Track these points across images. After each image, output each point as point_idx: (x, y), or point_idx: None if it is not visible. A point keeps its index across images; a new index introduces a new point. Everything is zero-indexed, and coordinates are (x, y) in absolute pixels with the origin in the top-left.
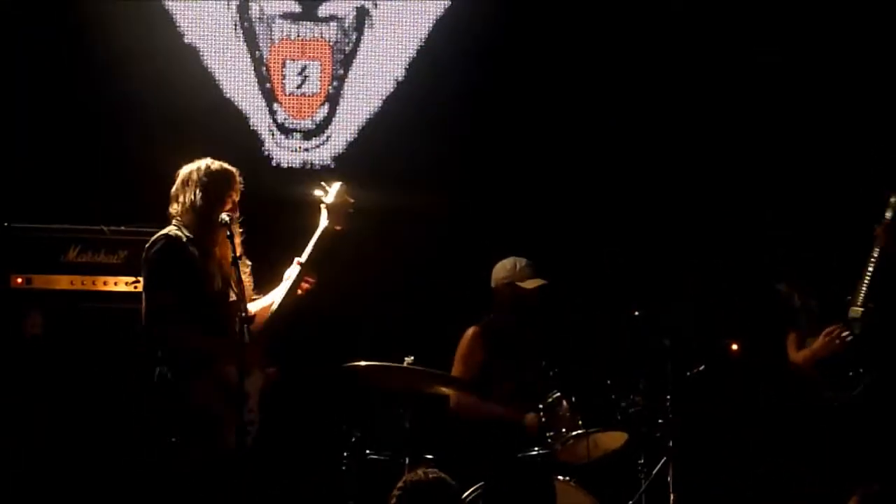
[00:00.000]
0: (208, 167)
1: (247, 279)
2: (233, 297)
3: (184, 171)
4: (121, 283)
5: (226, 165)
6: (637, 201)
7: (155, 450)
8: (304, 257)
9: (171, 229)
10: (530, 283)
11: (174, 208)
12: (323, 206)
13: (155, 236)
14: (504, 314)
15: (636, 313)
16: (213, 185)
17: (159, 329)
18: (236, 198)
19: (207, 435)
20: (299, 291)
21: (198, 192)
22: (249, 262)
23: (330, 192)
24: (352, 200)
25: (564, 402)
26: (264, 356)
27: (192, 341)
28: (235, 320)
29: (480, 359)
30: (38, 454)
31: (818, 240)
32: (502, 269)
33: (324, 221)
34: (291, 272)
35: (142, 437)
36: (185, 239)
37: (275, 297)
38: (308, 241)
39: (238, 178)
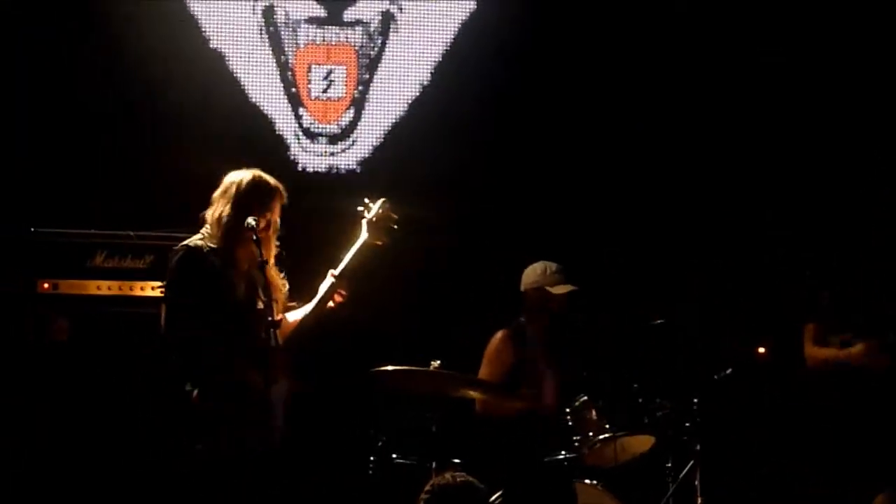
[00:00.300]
0: (248, 182)
1: (279, 285)
2: (260, 304)
3: (227, 179)
4: (147, 288)
5: (267, 182)
6: (666, 205)
7: (173, 454)
8: (338, 270)
9: (194, 239)
10: (560, 289)
11: (208, 213)
12: (364, 220)
13: (178, 246)
14: (533, 318)
15: (659, 321)
16: (247, 200)
17: (173, 335)
18: (272, 216)
19: (222, 440)
20: (331, 304)
21: (229, 206)
22: (282, 270)
23: (373, 208)
24: (395, 216)
25: (592, 406)
26: (289, 364)
27: (206, 348)
28: (262, 327)
29: (509, 361)
30: (65, 458)
31: (819, 239)
32: (532, 273)
33: (364, 235)
34: (325, 284)
35: (159, 441)
36: (206, 249)
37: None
38: (342, 252)
39: (280, 195)
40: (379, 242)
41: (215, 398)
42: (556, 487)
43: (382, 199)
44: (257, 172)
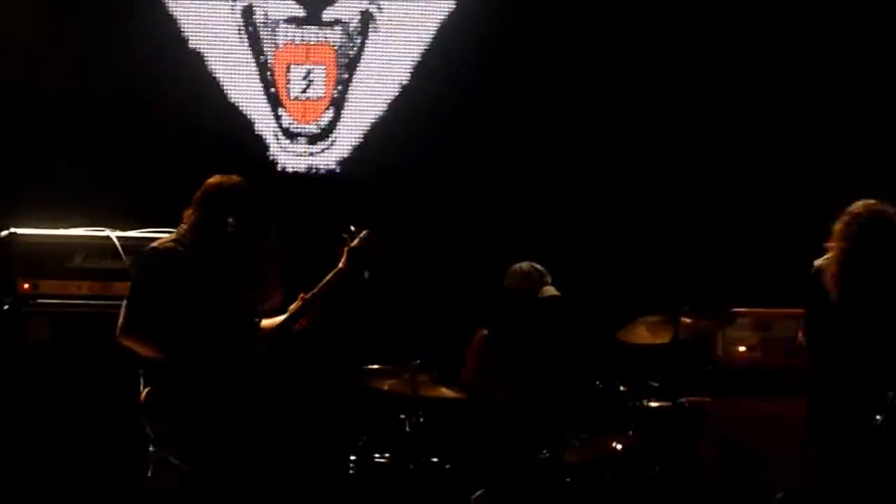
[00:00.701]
0: (219, 186)
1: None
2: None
3: (208, 183)
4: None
5: (237, 186)
6: (652, 203)
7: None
8: (310, 294)
9: (164, 240)
10: (546, 292)
11: (185, 215)
12: (346, 248)
13: (146, 248)
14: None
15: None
16: (220, 204)
17: (121, 337)
18: (251, 220)
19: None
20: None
21: (202, 209)
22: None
23: (357, 238)
24: (378, 251)
25: (573, 404)
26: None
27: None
28: (234, 331)
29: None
30: (43, 459)
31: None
32: (517, 272)
33: (342, 264)
34: (293, 306)
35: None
36: (174, 250)
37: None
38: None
39: (253, 198)
40: (357, 272)
41: (174, 400)
42: (546, 485)
43: (367, 231)
44: (233, 178)
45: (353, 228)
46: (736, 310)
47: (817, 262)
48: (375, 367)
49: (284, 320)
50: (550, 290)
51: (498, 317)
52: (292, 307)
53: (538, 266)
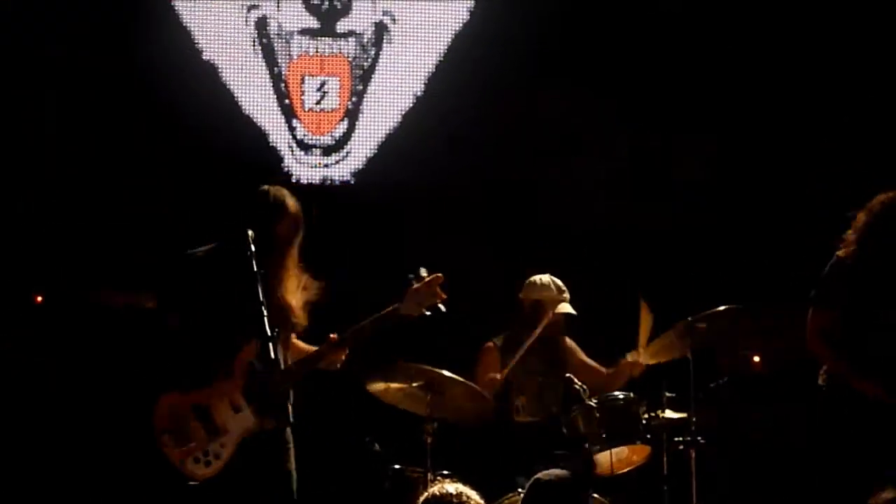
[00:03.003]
0: (258, 196)
1: (288, 302)
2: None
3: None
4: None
5: (274, 195)
6: (655, 210)
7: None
8: (346, 335)
9: (204, 248)
10: (560, 308)
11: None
12: (409, 289)
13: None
14: (525, 328)
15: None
16: (255, 213)
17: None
18: (283, 231)
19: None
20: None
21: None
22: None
23: (423, 278)
24: (443, 295)
25: (587, 416)
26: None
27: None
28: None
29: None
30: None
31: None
32: (536, 284)
33: (401, 303)
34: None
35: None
36: (204, 257)
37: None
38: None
39: (286, 209)
40: (414, 314)
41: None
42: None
43: (437, 274)
44: (272, 187)
45: (422, 271)
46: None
47: (839, 253)
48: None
49: (309, 357)
50: (566, 308)
51: None
52: (320, 348)
53: (557, 280)
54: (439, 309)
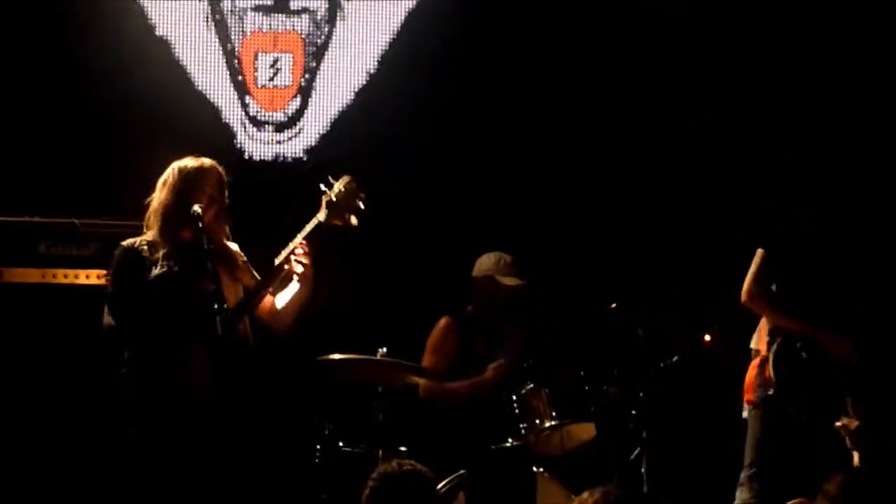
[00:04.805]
0: (184, 168)
1: (235, 268)
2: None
3: (169, 168)
4: (92, 277)
5: (202, 166)
6: (612, 198)
7: (116, 442)
8: (284, 252)
9: (130, 239)
10: (509, 281)
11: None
12: (323, 197)
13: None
14: (481, 306)
15: (612, 306)
16: (184, 186)
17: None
18: (211, 191)
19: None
20: (295, 276)
21: (167, 194)
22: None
23: (336, 186)
24: (362, 194)
25: (538, 394)
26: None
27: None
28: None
29: (452, 349)
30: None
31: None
32: (486, 261)
33: (322, 215)
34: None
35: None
36: (141, 245)
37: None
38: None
39: (217, 177)
40: (339, 223)
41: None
42: (514, 473)
43: (348, 177)
44: (195, 158)
45: (330, 178)
46: None
47: None
48: (346, 356)
49: (255, 286)
50: (513, 280)
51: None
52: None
53: (507, 256)
54: (362, 211)
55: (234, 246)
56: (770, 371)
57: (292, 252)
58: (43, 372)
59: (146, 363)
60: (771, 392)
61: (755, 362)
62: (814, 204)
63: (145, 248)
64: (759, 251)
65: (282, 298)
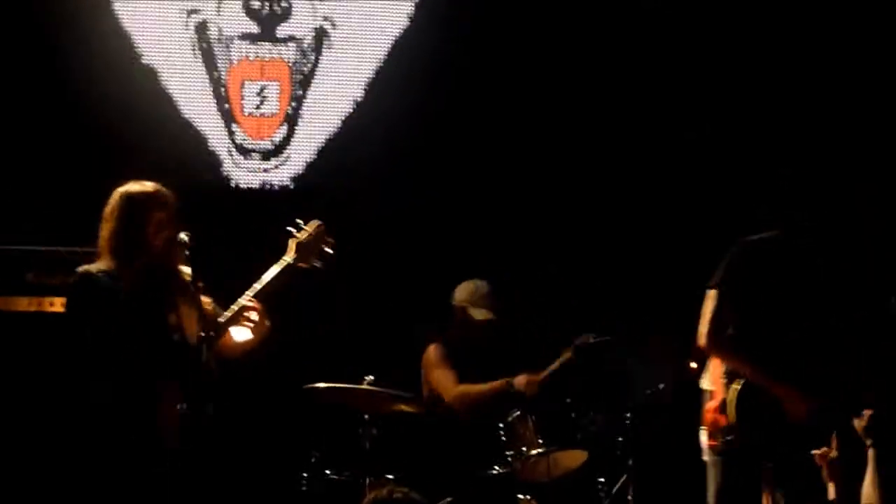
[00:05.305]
0: (122, 195)
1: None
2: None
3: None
4: None
5: (141, 188)
6: (599, 220)
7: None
8: (251, 293)
9: (86, 266)
10: (479, 314)
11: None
12: (293, 240)
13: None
14: (458, 332)
15: (591, 340)
16: (128, 211)
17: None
18: (160, 215)
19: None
20: (248, 328)
21: (113, 223)
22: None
23: (305, 230)
24: (331, 240)
25: (525, 421)
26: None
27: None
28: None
29: (451, 366)
30: None
31: None
32: (463, 290)
33: (289, 257)
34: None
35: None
36: (97, 273)
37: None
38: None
39: (160, 195)
40: (305, 265)
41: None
42: (500, 501)
43: (318, 222)
44: (139, 183)
45: (299, 221)
46: None
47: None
48: (334, 385)
49: (218, 327)
50: (483, 314)
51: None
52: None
53: (483, 285)
54: (331, 256)
55: (187, 270)
56: (732, 415)
57: (245, 307)
58: (32, 399)
59: (119, 394)
60: (731, 438)
61: (712, 405)
62: (811, 215)
63: (101, 276)
64: (712, 292)
65: (236, 333)
